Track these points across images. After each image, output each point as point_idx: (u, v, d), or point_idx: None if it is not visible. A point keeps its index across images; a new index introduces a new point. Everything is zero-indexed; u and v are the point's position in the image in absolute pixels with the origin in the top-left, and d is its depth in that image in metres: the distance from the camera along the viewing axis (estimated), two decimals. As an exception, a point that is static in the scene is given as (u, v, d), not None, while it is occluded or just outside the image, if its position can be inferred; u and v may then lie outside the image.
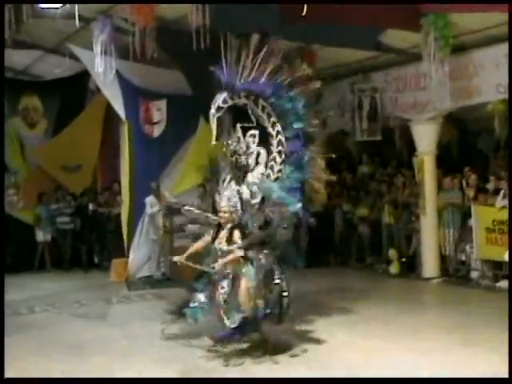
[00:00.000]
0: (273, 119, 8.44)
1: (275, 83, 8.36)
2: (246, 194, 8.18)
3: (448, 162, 13.63)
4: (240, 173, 8.37)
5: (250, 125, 8.47)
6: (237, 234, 7.72)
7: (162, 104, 13.58)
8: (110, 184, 15.44)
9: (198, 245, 8.06)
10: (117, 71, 11.63)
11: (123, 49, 11.15)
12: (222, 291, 7.71)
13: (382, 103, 13.61)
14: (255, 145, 8.42)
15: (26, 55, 14.75)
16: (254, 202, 8.13)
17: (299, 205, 8.08)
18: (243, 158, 8.37)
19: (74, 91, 15.70)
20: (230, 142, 8.50)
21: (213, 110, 8.18)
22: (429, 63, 10.84)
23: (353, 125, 14.19)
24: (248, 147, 8.41)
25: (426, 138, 12.65)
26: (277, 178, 8.28)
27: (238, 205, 7.97)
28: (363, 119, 13.96)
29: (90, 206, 15.19)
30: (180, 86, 13.32)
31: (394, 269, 13.06)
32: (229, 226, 7.82)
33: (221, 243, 7.79)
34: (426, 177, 12.54)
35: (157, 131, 13.67)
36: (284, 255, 8.16)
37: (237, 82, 8.17)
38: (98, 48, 10.97)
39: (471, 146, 15.00)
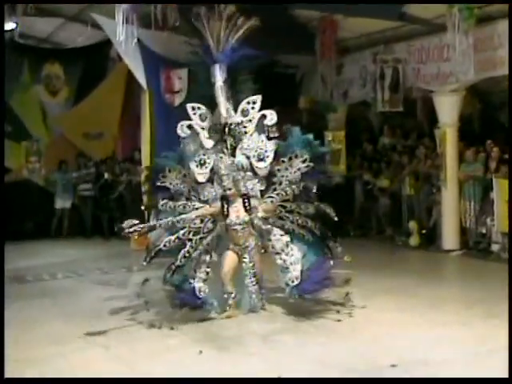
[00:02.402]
0: None
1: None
2: (243, 160, 8.14)
3: (470, 134, 13.53)
4: (233, 142, 8.25)
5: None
6: (253, 200, 7.94)
7: (184, 73, 13.53)
8: (131, 152, 15.50)
9: (196, 213, 8.00)
10: (138, 40, 11.59)
11: (145, 17, 11.13)
12: (249, 264, 7.95)
13: (404, 74, 13.49)
14: (256, 110, 8.37)
15: (48, 23, 14.79)
16: (262, 165, 8.12)
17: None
18: (240, 127, 8.25)
19: (96, 59, 15.73)
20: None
21: (220, 83, 8.20)
22: (453, 34, 10.71)
23: (374, 96, 14.09)
24: (246, 115, 8.34)
25: (448, 109, 12.54)
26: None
27: (240, 176, 8.00)
28: (385, 90, 13.85)
29: (105, 175, 15.29)
30: (202, 56, 13.26)
31: (413, 241, 13.04)
32: (239, 198, 7.91)
33: (239, 216, 7.87)
34: (448, 149, 12.45)
35: (178, 100, 13.63)
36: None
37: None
38: (120, 16, 10.93)
39: (494, 118, 14.88)
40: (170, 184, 8.20)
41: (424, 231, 13.07)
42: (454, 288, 10.02)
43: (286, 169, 8.13)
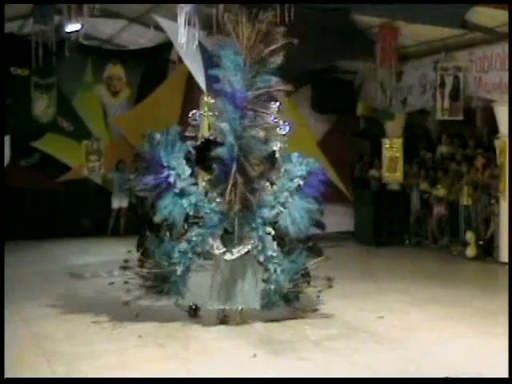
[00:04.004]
0: None
1: None
2: None
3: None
4: None
5: None
6: None
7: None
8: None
9: None
10: (199, 42, 11.72)
11: (206, 20, 11.23)
12: None
13: (465, 82, 13.33)
14: None
15: (111, 24, 15.06)
16: None
17: None
18: None
19: (157, 61, 15.95)
20: None
21: None
22: (515, 43, 10.57)
23: (434, 103, 13.96)
24: None
25: (509, 120, 12.35)
26: None
27: None
28: (445, 98, 13.70)
29: None
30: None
31: (470, 252, 12.84)
32: None
33: None
34: (508, 160, 12.26)
35: (237, 102, 13.70)
36: None
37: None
38: (181, 19, 11.06)
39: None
40: None
41: (481, 242, 12.87)
42: (508, 300, 9.85)
43: None
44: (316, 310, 8.17)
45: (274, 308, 7.91)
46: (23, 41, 13.74)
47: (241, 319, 7.81)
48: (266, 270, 7.83)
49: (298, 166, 8.11)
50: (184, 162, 7.91)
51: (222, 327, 7.66)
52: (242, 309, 7.83)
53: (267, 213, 7.85)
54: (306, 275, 8.04)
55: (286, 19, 10.09)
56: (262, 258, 7.82)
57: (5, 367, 6.06)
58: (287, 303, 7.95)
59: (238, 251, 7.79)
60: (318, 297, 8.18)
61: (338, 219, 15.30)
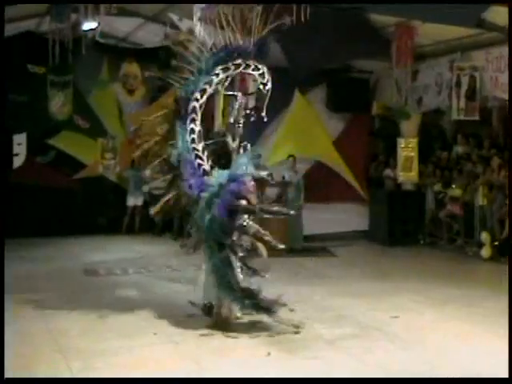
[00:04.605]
0: None
1: None
2: None
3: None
4: None
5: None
6: None
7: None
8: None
9: None
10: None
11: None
12: None
13: (481, 82, 13.29)
14: None
15: (127, 23, 15.08)
16: None
17: None
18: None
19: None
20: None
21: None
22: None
23: (450, 103, 13.92)
24: None
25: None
26: None
27: None
28: (461, 98, 13.66)
29: None
30: (276, 58, 13.36)
31: (485, 252, 12.79)
32: None
33: None
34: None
35: (252, 102, 13.71)
36: None
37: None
38: (198, 17, 11.07)
39: None
40: None
41: (496, 243, 12.82)
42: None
43: None
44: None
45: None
46: (40, 39, 13.79)
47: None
48: None
49: None
50: None
51: (235, 325, 7.68)
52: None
53: None
54: None
55: (302, 18, 10.15)
56: None
57: (20, 363, 6.15)
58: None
59: None
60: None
61: (353, 218, 15.35)
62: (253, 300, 7.47)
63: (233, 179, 7.47)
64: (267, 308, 7.53)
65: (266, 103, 8.09)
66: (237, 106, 8.15)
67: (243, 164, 7.62)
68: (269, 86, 8.04)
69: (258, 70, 8.01)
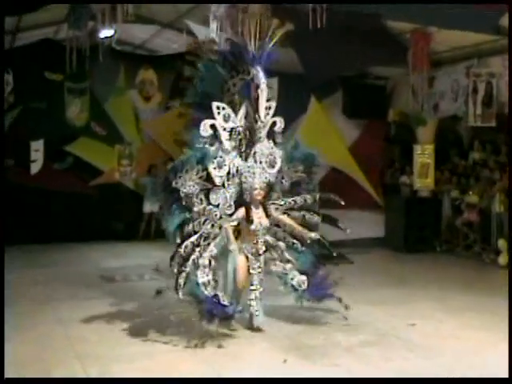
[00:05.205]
0: None
1: None
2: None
3: None
4: (249, 147, 8.12)
5: None
6: (273, 207, 8.02)
7: (274, 82, 13.60)
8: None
9: (231, 231, 7.75)
10: (234, 39, 11.74)
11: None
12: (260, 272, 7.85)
13: (498, 88, 13.24)
14: (270, 116, 8.19)
15: (144, 30, 15.15)
16: (272, 171, 8.07)
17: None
18: (257, 132, 8.06)
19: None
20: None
21: (264, 85, 8.03)
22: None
23: (466, 110, 13.88)
24: (260, 121, 8.11)
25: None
26: None
27: (266, 179, 7.97)
28: (477, 104, 13.62)
29: None
30: (292, 64, 13.37)
31: (503, 259, 12.71)
32: (259, 203, 7.83)
33: (261, 222, 7.78)
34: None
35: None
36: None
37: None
38: (213, 24, 11.10)
39: None
40: (182, 185, 7.75)
41: (514, 250, 12.75)
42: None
43: (283, 177, 8.29)
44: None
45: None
46: (58, 46, 13.89)
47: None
48: None
49: None
50: None
51: (252, 332, 7.68)
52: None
53: None
54: None
55: (319, 24, 10.16)
56: None
57: (39, 368, 6.18)
58: None
59: None
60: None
61: (369, 225, 15.27)
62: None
63: None
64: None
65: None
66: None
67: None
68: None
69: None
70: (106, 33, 13.01)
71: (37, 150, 14.77)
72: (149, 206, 15.59)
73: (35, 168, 14.76)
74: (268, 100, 8.17)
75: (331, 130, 15.32)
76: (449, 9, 10.21)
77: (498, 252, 12.92)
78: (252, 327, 7.77)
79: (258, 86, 7.98)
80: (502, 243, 12.85)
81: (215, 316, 7.30)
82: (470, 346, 7.25)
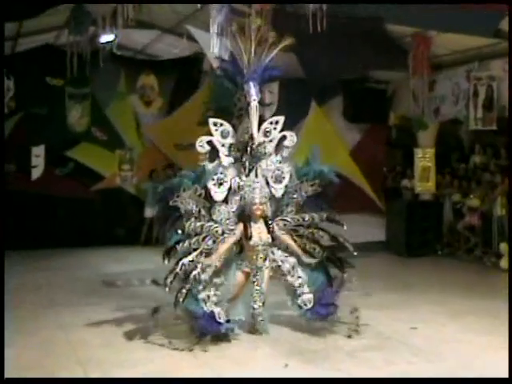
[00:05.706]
0: None
1: None
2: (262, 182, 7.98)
3: None
4: (252, 163, 8.00)
5: None
6: (276, 224, 7.84)
7: (274, 86, 13.64)
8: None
9: (224, 247, 7.62)
10: (231, 52, 11.77)
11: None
12: (262, 286, 7.77)
13: (498, 92, 13.25)
14: (277, 131, 8.13)
15: (144, 35, 15.18)
16: (279, 186, 8.02)
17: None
18: (261, 148, 7.96)
19: (189, 72, 16.05)
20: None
21: (255, 102, 7.82)
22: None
23: (467, 113, 13.88)
24: (267, 136, 8.07)
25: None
26: None
27: (268, 194, 7.90)
28: (478, 108, 13.63)
29: None
30: (293, 69, 13.37)
31: (504, 263, 12.70)
32: (260, 218, 7.72)
33: (261, 237, 7.67)
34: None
35: (268, 113, 13.73)
36: None
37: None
38: (214, 29, 11.12)
39: None
40: (182, 204, 7.69)
41: (515, 253, 12.73)
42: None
43: (295, 191, 8.12)
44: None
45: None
46: (59, 51, 13.93)
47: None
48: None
49: None
50: None
51: (254, 336, 7.68)
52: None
53: None
54: None
55: (319, 29, 10.18)
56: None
57: (40, 373, 6.17)
58: None
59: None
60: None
61: (370, 229, 15.24)
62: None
63: None
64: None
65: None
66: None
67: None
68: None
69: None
70: (106, 38, 13.08)
71: (38, 156, 14.80)
72: (150, 211, 15.59)
73: (36, 173, 14.79)
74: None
75: (332, 134, 15.32)
76: (449, 11, 10.23)
77: (500, 255, 12.90)
78: (254, 332, 7.77)
79: (248, 104, 7.84)
80: (503, 247, 12.83)
81: (207, 334, 7.33)
82: (471, 350, 7.23)
